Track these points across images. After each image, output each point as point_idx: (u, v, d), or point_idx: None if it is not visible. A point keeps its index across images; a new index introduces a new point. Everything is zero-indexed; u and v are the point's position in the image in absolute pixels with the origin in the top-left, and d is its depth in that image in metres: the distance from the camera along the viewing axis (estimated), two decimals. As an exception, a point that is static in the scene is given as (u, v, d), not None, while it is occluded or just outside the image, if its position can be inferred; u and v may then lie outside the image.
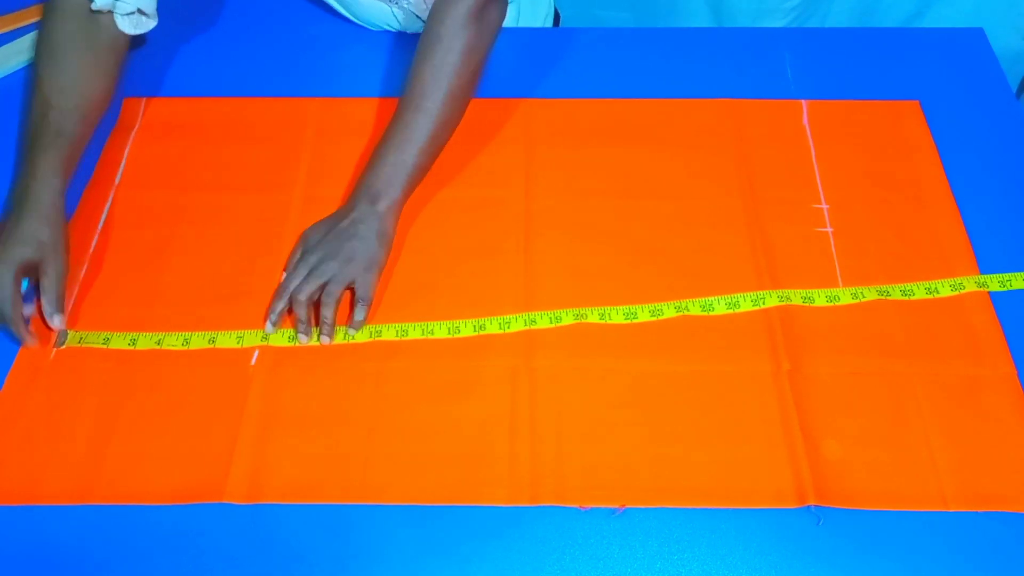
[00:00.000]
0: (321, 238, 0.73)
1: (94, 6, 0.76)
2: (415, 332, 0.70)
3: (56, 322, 0.69)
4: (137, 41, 0.79)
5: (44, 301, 0.69)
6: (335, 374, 0.69)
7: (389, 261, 0.74)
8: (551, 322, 0.71)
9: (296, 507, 0.62)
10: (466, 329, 0.70)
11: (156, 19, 0.81)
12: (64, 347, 0.70)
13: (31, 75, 0.74)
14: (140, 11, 0.79)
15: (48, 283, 0.69)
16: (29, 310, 0.70)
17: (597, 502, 0.62)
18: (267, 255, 0.76)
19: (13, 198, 0.72)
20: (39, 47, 0.76)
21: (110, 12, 0.77)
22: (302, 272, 0.71)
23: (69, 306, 0.73)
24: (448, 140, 0.78)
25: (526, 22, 1.00)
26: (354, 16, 0.94)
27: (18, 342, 0.69)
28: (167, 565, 0.59)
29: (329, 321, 0.70)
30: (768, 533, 0.60)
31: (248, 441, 0.65)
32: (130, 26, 0.79)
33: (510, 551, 0.60)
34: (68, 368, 0.69)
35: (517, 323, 0.71)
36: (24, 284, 0.70)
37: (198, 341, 0.70)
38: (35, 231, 0.69)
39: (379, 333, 0.71)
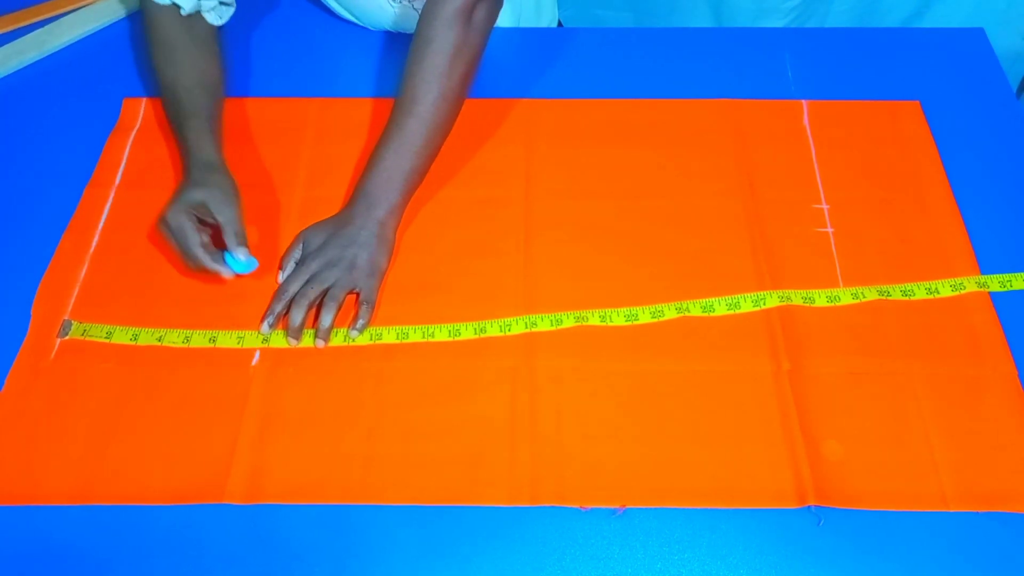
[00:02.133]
0: (322, 244, 0.73)
1: (183, 12, 0.81)
2: (416, 335, 0.70)
3: (241, 255, 0.70)
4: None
5: (226, 237, 0.70)
6: (335, 375, 0.69)
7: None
8: (552, 325, 0.71)
9: (296, 507, 0.62)
10: (467, 332, 0.70)
11: (234, 6, 0.87)
12: (68, 338, 0.70)
13: (153, 75, 0.84)
14: (221, 1, 0.85)
15: (226, 220, 0.71)
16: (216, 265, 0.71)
17: (597, 502, 0.62)
18: (267, 255, 0.76)
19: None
20: (153, 48, 0.83)
21: (199, 12, 0.83)
22: (303, 277, 0.71)
23: (72, 299, 0.73)
24: (444, 141, 0.78)
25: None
26: (350, 12, 0.94)
27: (200, 268, 0.70)
28: (167, 565, 0.60)
29: (327, 326, 0.70)
30: (768, 533, 0.60)
31: (248, 441, 0.65)
32: (216, 18, 0.85)
33: (510, 551, 0.60)
34: (68, 368, 0.69)
35: (518, 326, 0.71)
36: (238, 266, 0.71)
37: (199, 340, 0.70)
38: (203, 178, 0.72)
39: (380, 336, 0.71)
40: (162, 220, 0.70)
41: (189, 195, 0.71)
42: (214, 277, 0.71)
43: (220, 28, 0.86)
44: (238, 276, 0.72)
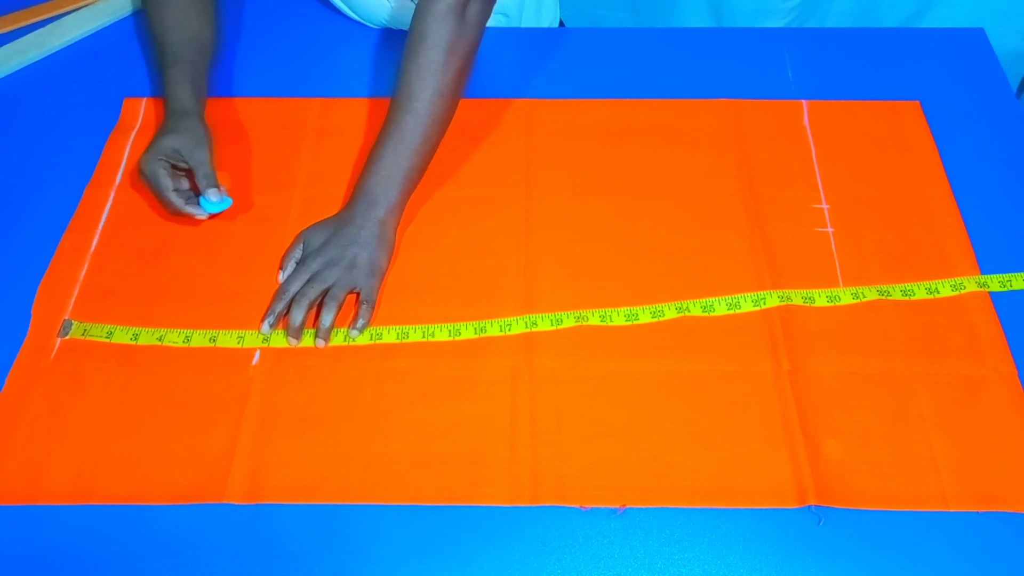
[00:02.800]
0: (322, 243, 0.73)
1: None
2: (416, 335, 0.70)
3: (212, 195, 0.74)
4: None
5: (197, 179, 0.75)
6: (336, 374, 0.69)
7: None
8: (552, 324, 0.71)
9: (296, 507, 0.62)
10: (467, 332, 0.70)
11: None
12: (68, 338, 0.70)
13: (144, 29, 0.88)
14: None
15: (196, 163, 0.75)
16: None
17: (597, 502, 0.62)
18: (267, 255, 0.76)
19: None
20: (145, 1, 0.86)
21: None
22: (303, 276, 0.71)
23: (72, 299, 0.73)
24: (442, 138, 0.77)
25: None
26: (348, 7, 0.94)
27: (176, 212, 0.76)
28: (167, 565, 0.60)
29: (327, 326, 0.70)
30: (768, 533, 0.60)
31: (248, 441, 0.65)
32: None
33: (510, 551, 0.60)
34: (68, 368, 0.69)
35: (518, 326, 0.71)
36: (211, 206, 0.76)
37: (199, 339, 0.70)
38: (176, 125, 0.77)
39: (380, 336, 0.71)
40: (139, 168, 0.75)
41: (162, 143, 0.75)
42: (194, 220, 0.77)
43: None
44: (212, 216, 0.76)
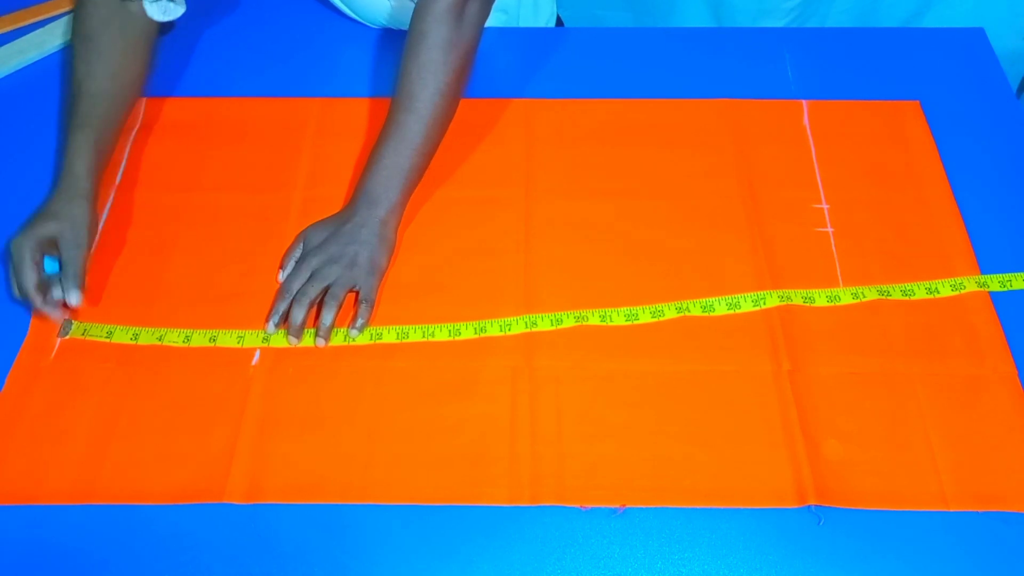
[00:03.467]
0: (323, 242, 0.73)
1: None
2: (416, 335, 0.70)
3: (73, 299, 0.69)
4: (166, 27, 0.82)
5: (63, 276, 0.70)
6: (336, 374, 0.69)
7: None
8: (552, 324, 0.71)
9: (296, 507, 0.62)
10: (467, 332, 0.70)
11: (184, 6, 0.83)
12: (68, 337, 0.70)
13: (66, 61, 0.78)
14: None
15: (67, 258, 0.70)
16: (56, 293, 0.70)
17: (597, 502, 0.62)
18: (267, 255, 0.76)
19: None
20: (73, 33, 0.79)
21: (139, 3, 0.79)
22: (304, 274, 0.71)
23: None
24: (443, 137, 0.77)
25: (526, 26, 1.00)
26: (348, 7, 0.94)
27: (31, 311, 0.71)
28: (167, 565, 0.60)
29: (328, 325, 0.70)
30: (768, 533, 0.60)
31: (248, 441, 0.65)
32: (159, 12, 0.81)
33: (510, 551, 0.60)
34: (68, 368, 0.69)
35: (518, 325, 0.71)
36: (53, 267, 0.71)
37: (199, 339, 0.70)
38: (59, 208, 0.72)
39: (380, 336, 0.71)
40: (11, 242, 0.70)
41: (42, 227, 0.71)
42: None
43: (162, 26, 0.82)
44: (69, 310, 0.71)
